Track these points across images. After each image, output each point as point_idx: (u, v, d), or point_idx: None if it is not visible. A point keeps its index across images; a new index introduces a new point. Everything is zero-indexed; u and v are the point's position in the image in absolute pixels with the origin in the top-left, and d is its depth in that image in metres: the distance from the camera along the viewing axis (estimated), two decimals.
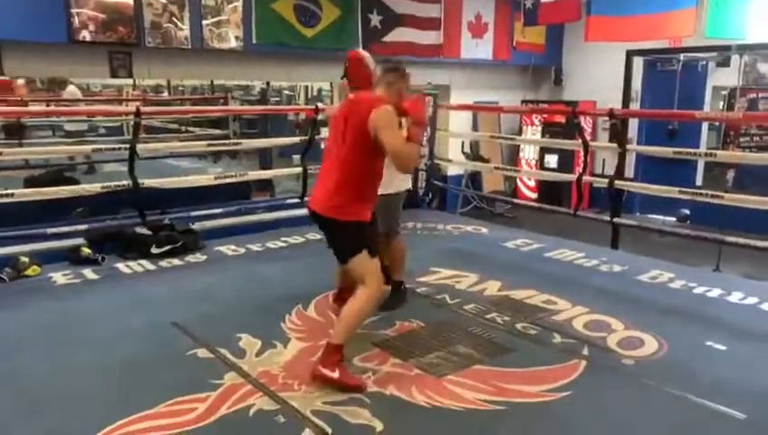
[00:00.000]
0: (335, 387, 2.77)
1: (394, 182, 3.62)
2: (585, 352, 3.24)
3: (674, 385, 2.88)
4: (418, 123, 3.02)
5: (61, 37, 5.54)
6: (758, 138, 7.77)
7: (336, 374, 2.79)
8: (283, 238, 5.41)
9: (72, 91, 9.26)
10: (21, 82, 9.41)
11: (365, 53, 3.41)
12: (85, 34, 5.63)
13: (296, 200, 5.79)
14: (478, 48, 8.60)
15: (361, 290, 2.95)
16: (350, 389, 2.78)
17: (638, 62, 8.07)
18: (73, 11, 5.54)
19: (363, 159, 2.94)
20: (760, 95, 7.67)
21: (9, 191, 4.51)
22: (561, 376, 2.96)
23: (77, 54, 5.87)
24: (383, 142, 2.84)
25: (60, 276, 4.39)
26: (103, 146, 5.94)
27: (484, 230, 6.02)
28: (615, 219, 5.42)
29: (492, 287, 4.24)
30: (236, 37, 6.48)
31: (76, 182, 6.28)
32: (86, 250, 4.72)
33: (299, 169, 5.80)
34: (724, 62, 7.79)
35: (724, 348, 3.32)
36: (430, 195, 6.98)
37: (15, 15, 5.22)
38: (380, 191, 3.15)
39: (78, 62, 6.00)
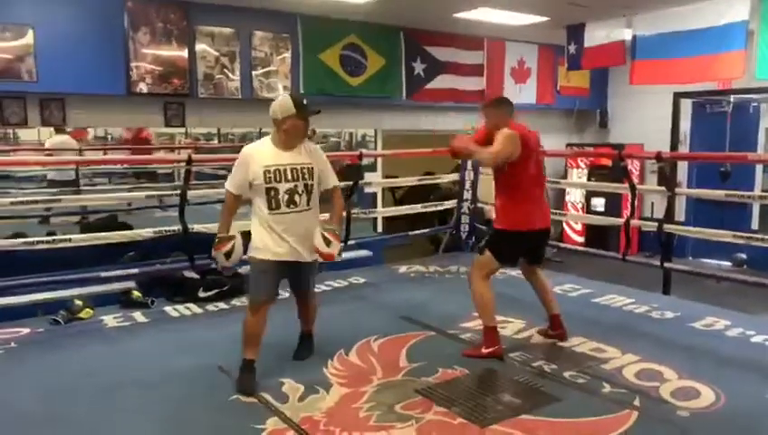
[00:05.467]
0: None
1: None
2: (636, 402, 3.12)
3: None
4: None
5: (120, 90, 5.84)
6: None
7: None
8: (326, 282, 5.44)
9: (56, 141, 8.49)
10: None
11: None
12: (142, 87, 5.92)
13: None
14: (521, 93, 8.64)
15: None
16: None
17: (687, 104, 7.95)
18: (132, 65, 5.85)
19: None
20: None
21: (67, 236, 4.71)
22: (611, 427, 2.85)
23: (134, 105, 6.17)
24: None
25: (111, 319, 4.52)
26: (156, 193, 6.15)
27: None
28: (666, 264, 5.25)
29: (539, 334, 4.15)
30: (284, 87, 6.70)
31: (129, 227, 6.48)
32: (136, 293, 4.86)
33: (343, 214, 5.85)
34: None
35: None
36: (474, 238, 6.94)
37: (78, 71, 5.54)
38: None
39: (135, 113, 6.30)
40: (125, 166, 9.45)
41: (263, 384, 3.30)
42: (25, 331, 4.24)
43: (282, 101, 3.29)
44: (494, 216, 4.07)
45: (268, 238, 3.31)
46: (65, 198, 5.59)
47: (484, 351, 3.71)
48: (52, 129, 8.13)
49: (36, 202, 5.09)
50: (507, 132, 3.62)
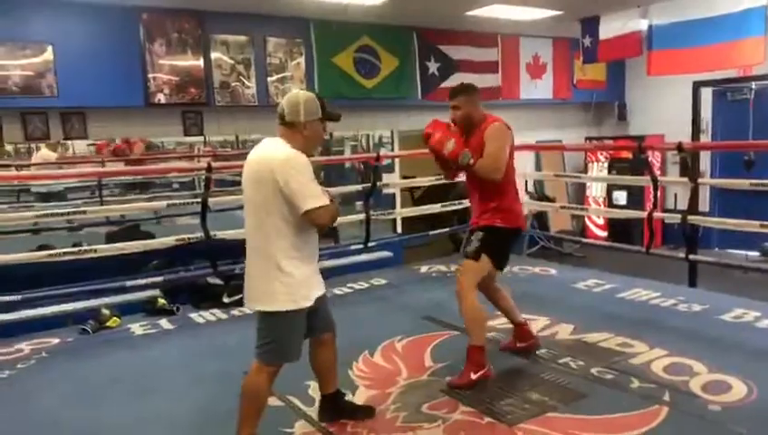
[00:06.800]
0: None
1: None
2: (666, 397, 3.08)
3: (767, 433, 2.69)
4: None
5: (138, 101, 5.92)
6: None
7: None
8: (349, 285, 5.45)
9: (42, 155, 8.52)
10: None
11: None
12: (160, 97, 5.99)
13: (360, 246, 5.84)
14: (537, 88, 8.59)
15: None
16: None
17: (707, 93, 7.83)
18: (150, 76, 5.92)
19: None
20: None
21: (92, 247, 4.77)
22: (641, 423, 2.82)
23: (153, 116, 6.25)
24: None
25: (138, 327, 4.57)
26: (178, 201, 6.20)
27: (553, 271, 5.88)
28: (691, 256, 5.18)
29: (564, 331, 4.12)
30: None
31: (152, 236, 6.56)
32: (162, 301, 4.92)
33: (362, 216, 5.87)
34: None
35: None
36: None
37: (97, 84, 5.63)
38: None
39: (154, 123, 6.37)
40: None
41: (289, 387, 3.31)
42: (55, 341, 4.32)
43: (307, 99, 2.57)
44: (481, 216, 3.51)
45: (313, 276, 2.67)
46: (90, 209, 5.66)
47: (474, 376, 3.24)
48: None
49: (61, 214, 5.15)
50: (497, 128, 3.29)
